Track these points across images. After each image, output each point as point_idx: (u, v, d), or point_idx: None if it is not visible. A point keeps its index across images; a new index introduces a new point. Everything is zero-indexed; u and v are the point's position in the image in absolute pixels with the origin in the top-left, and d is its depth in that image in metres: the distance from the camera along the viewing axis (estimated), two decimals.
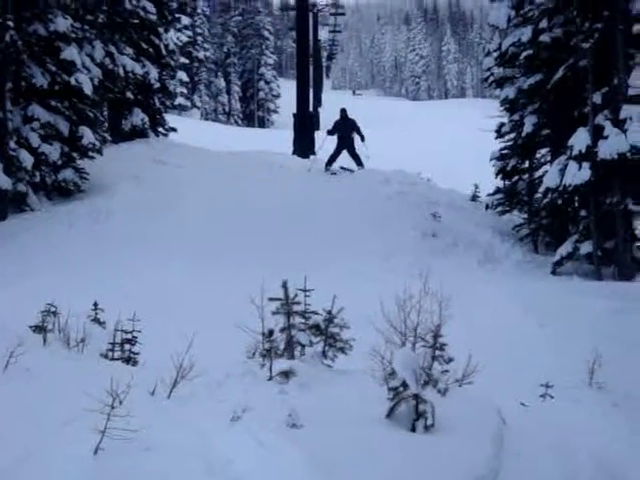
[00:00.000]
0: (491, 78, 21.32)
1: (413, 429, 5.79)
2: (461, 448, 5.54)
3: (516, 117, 19.77)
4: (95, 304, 10.44)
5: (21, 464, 4.89)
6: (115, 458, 4.80)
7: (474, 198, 22.41)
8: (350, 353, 7.51)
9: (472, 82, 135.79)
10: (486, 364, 7.26)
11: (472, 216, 20.02)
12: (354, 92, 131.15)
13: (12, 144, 21.27)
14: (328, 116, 34.64)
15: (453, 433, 5.76)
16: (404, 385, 5.89)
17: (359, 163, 24.64)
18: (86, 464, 4.81)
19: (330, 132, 25.01)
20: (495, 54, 20.77)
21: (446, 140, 45.17)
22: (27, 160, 21.38)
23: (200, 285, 14.04)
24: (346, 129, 24.46)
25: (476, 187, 22.45)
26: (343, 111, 24.84)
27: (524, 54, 18.29)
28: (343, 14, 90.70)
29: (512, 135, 20.14)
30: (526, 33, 18.17)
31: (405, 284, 7.28)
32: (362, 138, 24.25)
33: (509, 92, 19.65)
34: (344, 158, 24.78)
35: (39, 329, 8.86)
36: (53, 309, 9.24)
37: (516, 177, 20.35)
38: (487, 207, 20.77)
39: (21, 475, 4.72)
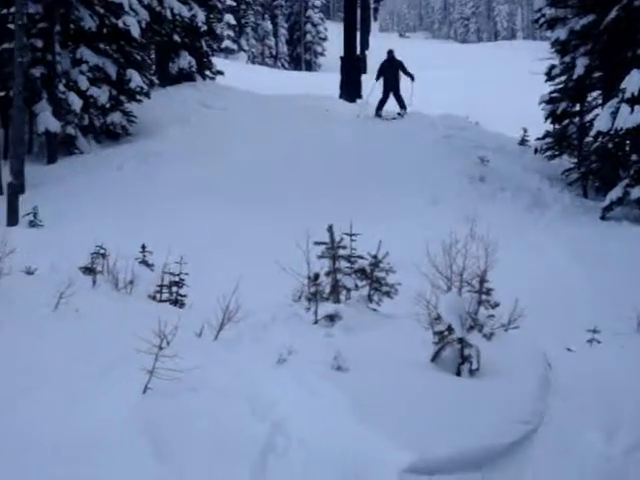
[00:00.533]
0: (542, 19, 20.81)
1: (458, 373, 5.80)
2: (507, 391, 5.54)
3: (567, 59, 19.32)
4: (143, 246, 10.55)
5: (72, 403, 5.00)
6: (163, 398, 4.88)
7: (523, 142, 22.06)
8: (395, 297, 7.51)
9: (522, 24, 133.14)
10: (532, 309, 7.23)
11: (520, 160, 19.75)
12: (401, 34, 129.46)
13: (61, 87, 21.41)
14: (375, 59, 34.17)
15: (498, 377, 5.76)
16: (449, 329, 5.89)
17: (402, 106, 23.74)
18: (135, 403, 4.90)
19: (377, 77, 24.11)
20: None
21: (495, 83, 44.43)
22: (76, 103, 21.53)
23: (246, 228, 14.06)
24: (392, 71, 23.68)
25: (525, 131, 22.10)
26: (390, 52, 24.17)
27: None
28: None
29: (563, 78, 19.70)
30: None
31: (451, 228, 7.25)
32: (412, 78, 23.45)
33: (560, 33, 19.19)
34: (391, 101, 24.13)
35: (88, 270, 8.99)
36: (102, 251, 9.37)
37: (566, 121, 19.95)
38: (536, 151, 20.46)
39: (73, 413, 4.83)
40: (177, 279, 9.10)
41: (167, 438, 4.39)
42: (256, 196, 16.27)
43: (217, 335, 6.50)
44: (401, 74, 23.90)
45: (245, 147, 20.13)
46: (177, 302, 8.98)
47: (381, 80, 24.02)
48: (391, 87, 23.71)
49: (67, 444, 4.38)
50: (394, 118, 23.41)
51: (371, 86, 24.58)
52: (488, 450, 4.74)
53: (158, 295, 8.93)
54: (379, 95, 24.23)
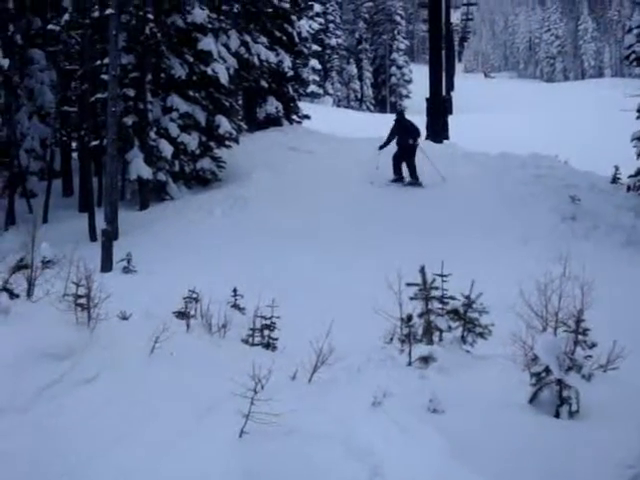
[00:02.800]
0: (632, 56, 20.60)
1: (557, 415, 5.65)
2: (609, 434, 5.36)
3: None
4: (234, 290, 10.64)
5: (171, 446, 5.02)
6: (259, 441, 4.86)
7: (615, 180, 21.71)
8: (489, 338, 7.38)
9: (610, 61, 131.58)
10: (632, 350, 7.02)
11: (613, 198, 19.39)
12: (486, 74, 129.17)
13: (152, 134, 21.90)
14: (461, 100, 34.19)
15: (599, 420, 5.59)
16: (547, 370, 5.75)
17: (414, 176, 20.75)
18: (232, 447, 4.89)
19: (384, 145, 21.32)
20: (636, 31, 20.06)
21: (585, 121, 43.96)
22: (167, 150, 21.99)
23: (335, 271, 14.09)
24: (404, 134, 20.91)
25: (617, 169, 21.75)
26: (400, 114, 21.95)
27: None
28: (475, 4, 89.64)
29: None
30: None
31: (544, 268, 7.09)
32: (415, 139, 20.96)
33: None
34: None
35: (182, 315, 9.09)
36: (195, 295, 9.47)
37: None
38: (629, 189, 20.10)
39: (171, 456, 4.84)
40: (269, 322, 9.12)
41: None
42: (345, 239, 16.29)
43: (311, 378, 6.47)
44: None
45: (332, 190, 20.22)
46: (269, 345, 9.00)
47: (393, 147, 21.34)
48: (405, 153, 20.96)
49: None
50: (409, 183, 20.86)
51: (377, 156, 21.11)
52: None
53: (250, 339, 8.97)
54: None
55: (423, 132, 29.57)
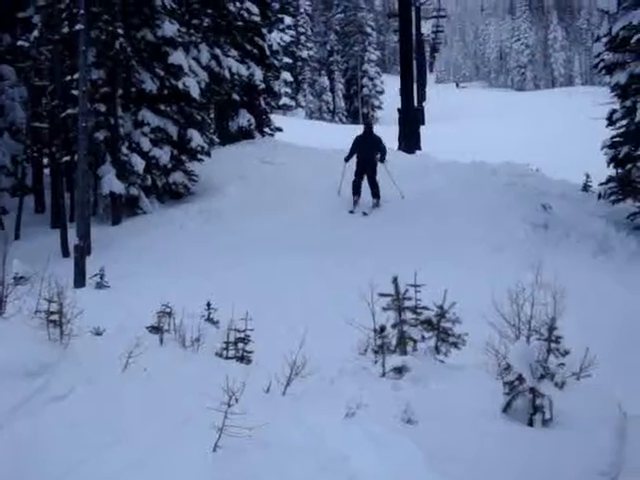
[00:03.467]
0: (601, 64, 20.74)
1: (530, 423, 5.69)
2: (581, 443, 5.40)
3: (628, 103, 19.18)
4: (208, 304, 10.64)
5: (144, 462, 5.00)
6: (234, 455, 4.86)
7: (585, 188, 21.85)
8: (463, 348, 7.41)
9: (580, 70, 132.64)
10: (604, 358, 7.08)
11: (584, 206, 19.52)
12: (457, 84, 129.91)
13: (124, 149, 21.85)
14: (433, 110, 34.36)
15: (573, 427, 5.63)
16: (520, 379, 5.79)
17: (375, 194, 19.47)
18: (206, 462, 4.89)
19: (348, 157, 19.96)
20: (605, 39, 20.21)
21: (555, 130, 44.31)
22: (139, 164, 21.95)
23: (309, 282, 14.11)
24: (367, 148, 19.65)
25: (587, 177, 21.90)
26: (367, 125, 20.63)
27: (636, 37, 17.76)
28: (444, 17, 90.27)
29: (624, 122, 19.54)
30: (637, 16, 17.65)
31: (517, 276, 7.14)
32: (382, 158, 19.69)
33: (620, 78, 19.05)
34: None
35: (155, 329, 9.07)
36: (168, 309, 9.45)
37: (629, 165, 19.73)
38: (599, 196, 20.21)
39: (144, 473, 4.83)
40: (242, 335, 9.11)
41: None
42: (317, 250, 16.31)
43: (285, 390, 6.48)
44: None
45: (305, 201, 20.25)
46: (243, 358, 8.98)
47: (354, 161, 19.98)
48: (366, 168, 19.58)
49: None
50: (364, 213, 19.07)
51: (342, 170, 19.94)
52: None
53: (224, 352, 8.95)
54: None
55: (395, 143, 29.77)
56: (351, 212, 18.84)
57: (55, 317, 7.75)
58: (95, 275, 15.42)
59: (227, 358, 8.85)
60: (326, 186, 21.20)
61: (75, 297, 7.81)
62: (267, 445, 5.04)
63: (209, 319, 10.60)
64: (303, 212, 19.41)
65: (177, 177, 23.39)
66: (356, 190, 19.47)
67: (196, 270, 15.42)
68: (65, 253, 19.90)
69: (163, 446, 5.23)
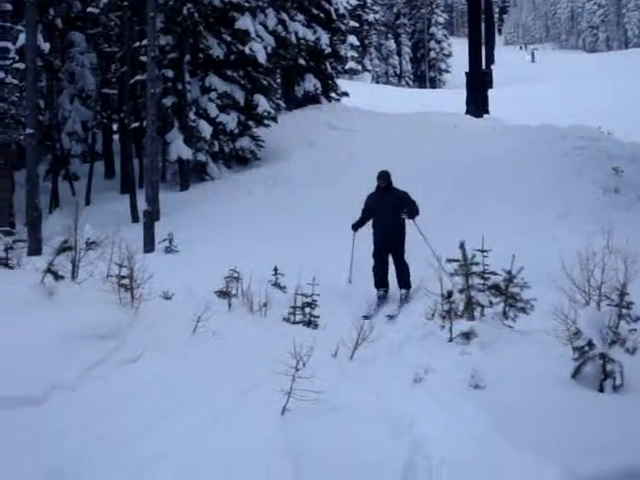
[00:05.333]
0: None
1: (601, 389, 5.62)
2: None
3: None
4: (275, 269, 10.71)
5: (213, 425, 5.08)
6: (301, 419, 4.89)
7: None
8: (531, 313, 7.36)
9: None
10: None
11: None
12: (526, 46, 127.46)
13: (191, 115, 22.01)
14: (501, 73, 33.93)
15: None
16: (590, 345, 5.72)
17: (406, 282, 11.89)
18: (274, 425, 4.93)
19: (358, 224, 12.68)
20: None
21: (627, 92, 43.31)
22: (206, 130, 22.09)
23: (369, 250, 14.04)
24: (388, 208, 12.11)
25: None
26: (383, 177, 12.42)
27: None
28: None
29: None
30: None
31: (587, 241, 7.05)
32: (412, 215, 12.10)
33: None
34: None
35: (223, 294, 9.17)
36: (236, 274, 9.55)
37: None
38: None
39: (214, 436, 4.90)
40: (310, 300, 9.17)
41: (307, 459, 4.40)
42: None
43: (352, 355, 6.50)
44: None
45: (372, 166, 20.16)
46: (310, 323, 9.05)
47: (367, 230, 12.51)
48: (390, 240, 12.06)
49: (208, 465, 4.44)
50: (390, 317, 10.88)
51: (351, 244, 12.59)
52: (636, 469, 4.56)
53: (292, 317, 9.03)
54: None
55: (463, 107, 29.41)
56: (366, 318, 10.03)
57: (126, 281, 7.90)
58: (164, 240, 15.62)
59: (294, 323, 8.92)
60: (394, 149, 21.08)
61: (145, 262, 7.93)
62: (334, 409, 5.07)
63: (276, 284, 10.68)
64: (372, 177, 19.34)
65: (244, 143, 23.50)
66: (381, 280, 11.94)
67: (263, 235, 15.50)
68: (134, 218, 20.19)
69: (232, 410, 5.30)
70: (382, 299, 11.66)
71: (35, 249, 14.84)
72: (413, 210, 11.99)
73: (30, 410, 5.70)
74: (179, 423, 5.24)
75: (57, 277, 7.70)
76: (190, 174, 22.38)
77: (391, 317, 10.71)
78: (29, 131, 17.12)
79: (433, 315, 7.52)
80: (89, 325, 6.98)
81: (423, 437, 4.75)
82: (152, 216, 17.13)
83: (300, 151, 22.58)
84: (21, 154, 22.73)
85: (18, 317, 6.76)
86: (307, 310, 9.15)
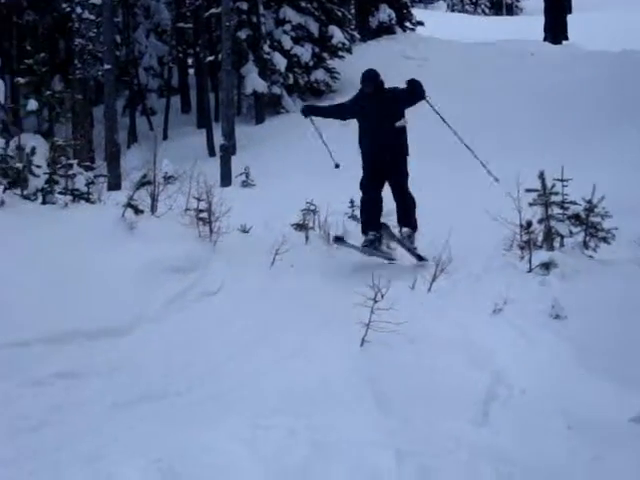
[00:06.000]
0: None
1: None
2: None
3: None
4: (351, 201, 10.69)
5: (294, 356, 5.15)
6: (381, 350, 4.92)
7: None
8: (613, 243, 7.22)
9: None
10: None
11: None
12: None
13: (266, 48, 21.92)
14: None
15: None
16: None
17: (408, 219, 8.41)
18: (353, 356, 4.98)
19: (314, 108, 10.54)
20: None
21: None
22: (280, 63, 22.02)
23: (450, 176, 13.89)
24: (381, 113, 8.48)
25: None
26: (368, 79, 8.60)
27: None
28: None
29: None
30: None
31: None
32: (420, 96, 8.49)
33: None
34: None
35: (300, 227, 9.21)
36: (312, 207, 9.57)
37: None
38: None
39: (295, 365, 4.97)
40: None
41: (388, 390, 4.42)
42: (459, 146, 16.04)
43: (430, 287, 6.49)
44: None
45: (449, 95, 19.88)
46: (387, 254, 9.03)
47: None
48: (384, 157, 8.47)
49: (291, 394, 4.50)
50: (390, 260, 8.47)
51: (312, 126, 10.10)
52: None
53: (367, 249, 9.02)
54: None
55: (540, 34, 28.60)
56: (337, 238, 8.29)
57: (204, 215, 8.00)
58: (240, 174, 15.72)
59: (371, 255, 8.92)
60: (470, 78, 20.76)
61: (222, 195, 8.00)
62: (413, 340, 5.08)
63: (353, 216, 10.67)
64: (450, 104, 19.04)
65: (318, 75, 23.36)
66: (371, 219, 8.34)
67: (339, 168, 15.44)
68: (211, 152, 20.36)
69: (311, 342, 5.37)
70: (370, 247, 8.05)
71: (115, 184, 15.10)
72: (416, 91, 8.33)
73: (115, 341, 5.87)
74: (259, 355, 5.34)
75: (137, 211, 7.83)
76: (265, 107, 22.39)
77: (412, 254, 8.11)
78: (107, 67, 17.31)
79: (511, 246, 7.45)
80: (170, 258, 7.11)
81: (504, 367, 4.74)
82: (228, 150, 17.24)
83: None
84: (99, 90, 23.03)
85: (101, 251, 6.91)
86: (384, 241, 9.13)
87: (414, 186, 8.37)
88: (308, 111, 9.36)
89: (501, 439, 3.97)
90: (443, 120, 8.89)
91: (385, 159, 8.37)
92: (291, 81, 22.69)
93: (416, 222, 8.24)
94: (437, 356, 4.88)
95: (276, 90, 22.23)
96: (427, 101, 8.57)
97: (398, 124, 8.43)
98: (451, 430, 4.02)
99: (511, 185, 7.07)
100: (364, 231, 8.08)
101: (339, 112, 9.36)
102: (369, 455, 3.73)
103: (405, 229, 8.20)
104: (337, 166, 8.41)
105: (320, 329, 5.61)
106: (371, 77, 8.62)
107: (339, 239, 8.09)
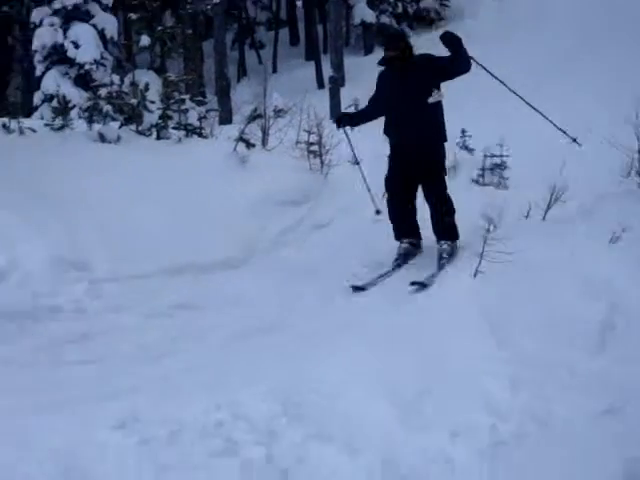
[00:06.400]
0: None
1: None
2: None
3: None
4: (463, 131, 10.55)
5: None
6: (495, 280, 4.86)
7: None
8: None
9: None
10: None
11: None
12: None
13: None
14: None
15: None
16: None
17: (447, 230, 6.13)
18: (467, 287, 4.95)
19: (349, 117, 7.21)
20: None
21: None
22: None
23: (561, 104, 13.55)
24: (405, 96, 6.33)
25: None
26: (391, 41, 6.61)
27: None
28: None
29: None
30: None
31: None
32: (467, 62, 6.34)
33: None
34: None
35: None
36: None
37: None
38: None
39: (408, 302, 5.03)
40: (499, 161, 9.04)
41: (502, 320, 4.37)
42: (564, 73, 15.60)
43: (545, 216, 6.35)
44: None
45: (565, 17, 19.30)
46: (500, 185, 8.94)
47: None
48: (413, 157, 6.32)
49: (398, 327, 4.54)
50: (420, 285, 5.50)
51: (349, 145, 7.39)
52: None
53: (480, 179, 8.94)
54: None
55: None
56: (358, 289, 5.72)
57: (315, 148, 8.03)
58: (349, 106, 15.63)
59: (484, 185, 8.83)
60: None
61: (332, 128, 7.99)
62: (528, 269, 4.97)
63: (464, 146, 10.54)
64: (561, 35, 18.52)
65: (428, 3, 22.95)
66: (404, 226, 6.48)
67: (448, 97, 15.23)
68: (320, 85, 20.30)
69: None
70: (406, 256, 6.34)
71: (226, 118, 15.25)
72: (461, 59, 6.30)
73: (229, 274, 6.00)
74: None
75: (249, 145, 7.92)
76: (374, 37, 22.16)
77: (422, 285, 5.50)
78: (215, 0, 17.35)
79: (629, 173, 7.21)
80: (281, 191, 7.19)
81: (621, 297, 4.63)
82: (337, 82, 17.17)
83: (484, 10, 21.79)
84: (208, 24, 23.17)
85: (215, 184, 7.04)
86: (497, 172, 9.03)
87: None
88: (344, 122, 6.98)
89: (617, 368, 3.91)
90: (504, 84, 7.15)
91: (420, 153, 6.29)
92: (400, 10, 22.35)
93: (457, 230, 6.11)
94: (552, 285, 4.79)
95: (385, 19, 21.94)
96: (483, 67, 6.99)
97: (431, 99, 6.35)
98: (566, 359, 3.98)
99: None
100: (397, 237, 6.41)
101: (374, 108, 6.80)
102: (484, 383, 3.74)
103: (445, 245, 6.04)
104: (378, 212, 6.44)
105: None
106: (393, 38, 6.94)
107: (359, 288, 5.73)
